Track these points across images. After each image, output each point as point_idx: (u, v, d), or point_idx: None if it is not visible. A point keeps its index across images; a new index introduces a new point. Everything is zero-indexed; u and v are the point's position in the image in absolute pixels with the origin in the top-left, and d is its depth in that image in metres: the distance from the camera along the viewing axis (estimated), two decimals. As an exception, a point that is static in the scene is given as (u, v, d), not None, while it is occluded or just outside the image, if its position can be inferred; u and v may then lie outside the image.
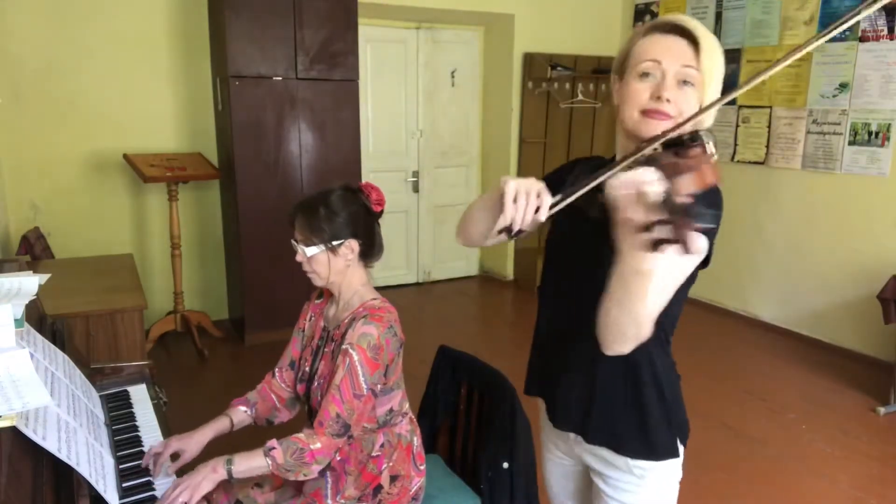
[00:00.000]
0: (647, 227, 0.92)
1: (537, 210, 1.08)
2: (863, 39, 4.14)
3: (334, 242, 1.59)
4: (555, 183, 1.38)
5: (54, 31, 3.93)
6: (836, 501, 2.78)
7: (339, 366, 1.54)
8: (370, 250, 1.67)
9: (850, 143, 4.24)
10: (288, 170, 4.22)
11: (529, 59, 5.40)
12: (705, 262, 1.19)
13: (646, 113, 1.19)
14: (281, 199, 4.11)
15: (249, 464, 1.48)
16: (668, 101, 1.18)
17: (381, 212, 1.69)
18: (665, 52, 1.19)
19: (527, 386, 1.49)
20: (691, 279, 1.22)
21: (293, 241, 1.63)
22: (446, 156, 5.79)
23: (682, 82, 1.19)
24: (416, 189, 5.69)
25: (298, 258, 1.63)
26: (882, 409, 3.55)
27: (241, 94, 3.99)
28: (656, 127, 1.17)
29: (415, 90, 5.51)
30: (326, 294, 1.77)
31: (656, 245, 0.91)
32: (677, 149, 1.04)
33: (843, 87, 4.26)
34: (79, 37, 4.00)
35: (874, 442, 3.27)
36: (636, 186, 0.94)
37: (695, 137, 1.07)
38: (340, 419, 1.51)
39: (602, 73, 5.60)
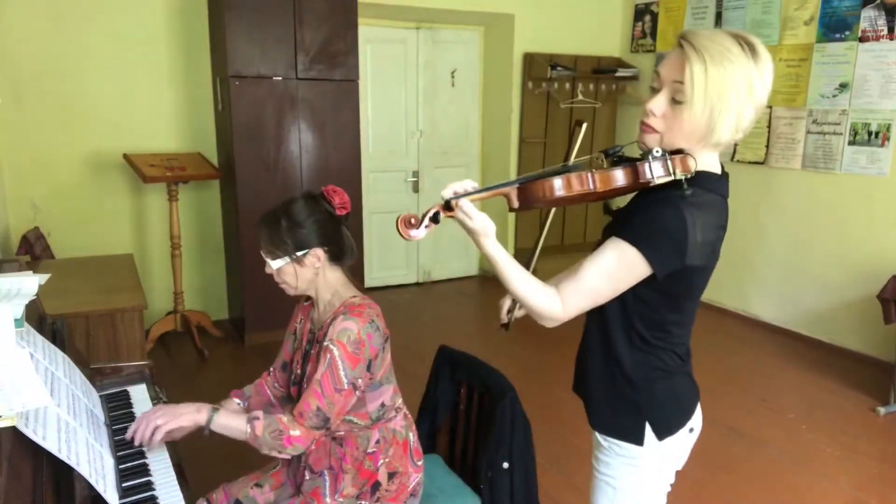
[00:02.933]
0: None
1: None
2: (863, 39, 4.14)
3: (298, 253, 1.58)
4: None
5: (54, 30, 3.93)
6: (836, 501, 2.78)
7: (321, 362, 1.55)
8: (339, 255, 1.64)
9: (850, 143, 4.24)
10: (288, 170, 4.21)
11: (529, 59, 5.40)
12: (655, 276, 1.24)
13: (641, 124, 1.28)
14: (281, 199, 4.08)
15: (230, 423, 1.52)
16: (653, 114, 1.24)
17: (347, 215, 1.65)
18: (664, 64, 1.24)
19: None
20: (658, 289, 1.27)
21: (262, 253, 1.62)
22: (446, 156, 5.78)
23: (672, 99, 1.21)
24: (416, 189, 5.68)
25: (267, 270, 1.63)
26: (882, 409, 3.55)
27: (241, 94, 3.99)
28: (645, 139, 1.26)
29: (415, 90, 5.51)
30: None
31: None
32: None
33: (843, 87, 4.25)
34: (79, 37, 4.00)
35: (874, 442, 3.27)
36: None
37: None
38: (321, 412, 1.53)
39: (602, 73, 5.60)
